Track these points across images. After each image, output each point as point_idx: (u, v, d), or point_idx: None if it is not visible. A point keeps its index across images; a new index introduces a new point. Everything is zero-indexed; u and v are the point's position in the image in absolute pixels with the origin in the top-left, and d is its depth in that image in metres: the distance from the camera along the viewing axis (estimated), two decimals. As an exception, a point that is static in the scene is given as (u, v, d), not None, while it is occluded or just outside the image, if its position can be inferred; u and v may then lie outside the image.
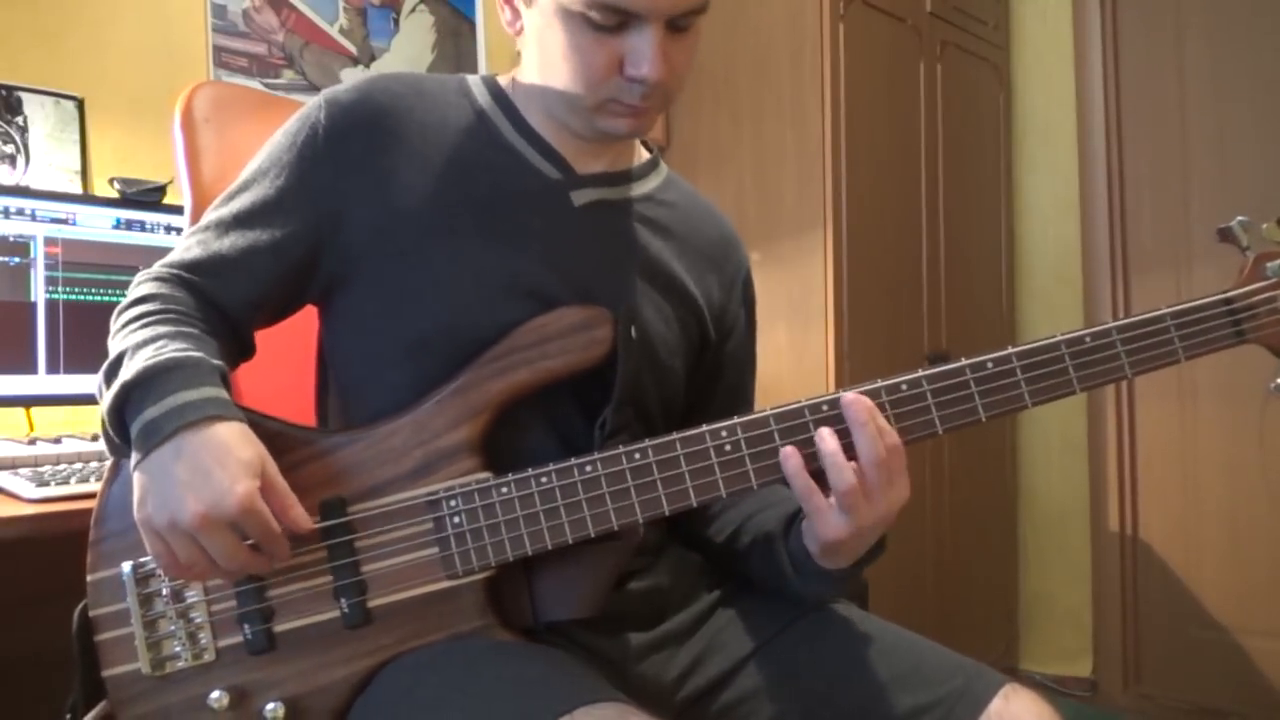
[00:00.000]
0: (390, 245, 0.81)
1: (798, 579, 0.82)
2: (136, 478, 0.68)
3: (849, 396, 0.74)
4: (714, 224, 0.98)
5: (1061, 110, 2.56)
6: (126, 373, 0.70)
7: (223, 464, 0.67)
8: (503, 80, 0.90)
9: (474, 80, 0.89)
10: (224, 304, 0.81)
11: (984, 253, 2.52)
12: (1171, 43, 2.36)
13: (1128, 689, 2.42)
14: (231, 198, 0.83)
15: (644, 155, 0.94)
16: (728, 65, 2.19)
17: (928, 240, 2.29)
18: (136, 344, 0.72)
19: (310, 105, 0.84)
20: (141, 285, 0.80)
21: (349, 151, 0.81)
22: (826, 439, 0.73)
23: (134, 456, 0.69)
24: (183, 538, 0.67)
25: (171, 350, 0.71)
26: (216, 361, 0.73)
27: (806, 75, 2.04)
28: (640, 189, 0.91)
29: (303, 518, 0.71)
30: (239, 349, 0.84)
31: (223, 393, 0.71)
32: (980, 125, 2.51)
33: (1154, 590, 2.39)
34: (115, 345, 0.74)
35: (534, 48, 0.83)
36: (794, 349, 2.06)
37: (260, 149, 0.85)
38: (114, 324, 0.78)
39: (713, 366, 0.95)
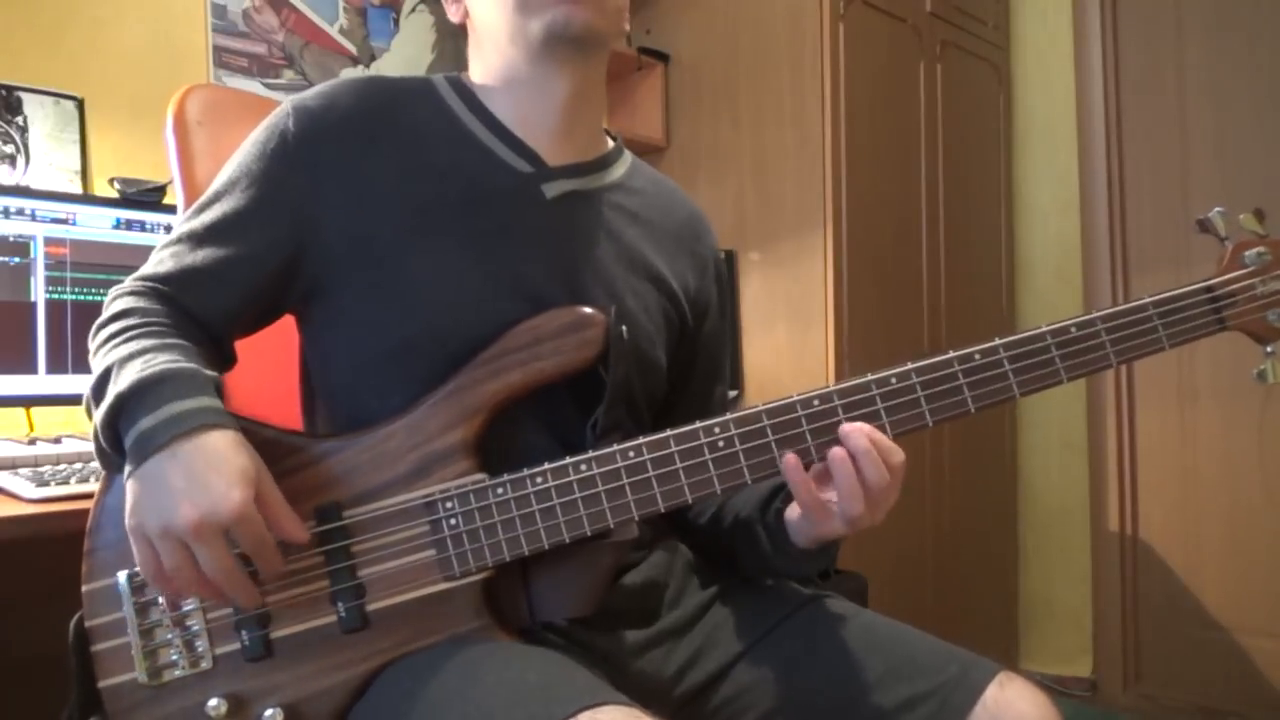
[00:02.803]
0: (368, 251, 0.80)
1: (777, 557, 0.84)
2: (129, 486, 0.68)
3: (847, 427, 0.76)
4: (682, 207, 0.99)
5: (1061, 110, 2.56)
6: (119, 384, 0.69)
7: (218, 471, 0.67)
8: (466, 77, 0.90)
9: (438, 80, 0.89)
10: (201, 316, 0.81)
11: (984, 253, 2.52)
12: (1171, 43, 2.36)
13: (1128, 689, 2.42)
14: (202, 209, 0.83)
15: (609, 144, 0.95)
16: (728, 66, 2.19)
17: (928, 240, 2.29)
18: (123, 358, 0.72)
19: (278, 113, 0.83)
20: (117, 300, 0.79)
21: (320, 158, 0.81)
22: (841, 466, 0.75)
23: (128, 466, 0.69)
24: (173, 545, 0.66)
25: (162, 361, 0.70)
26: (209, 372, 0.72)
27: (806, 75, 2.04)
28: (610, 177, 0.92)
29: (297, 528, 0.72)
30: (220, 360, 0.83)
31: (217, 402, 0.71)
32: (980, 125, 2.51)
33: (1154, 590, 2.39)
34: (99, 362, 0.74)
35: (475, 5, 0.85)
36: (794, 349, 2.06)
37: (228, 160, 0.84)
38: (93, 341, 0.77)
39: (690, 349, 0.96)
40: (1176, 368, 2.34)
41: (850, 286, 2.03)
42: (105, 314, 0.78)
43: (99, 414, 0.70)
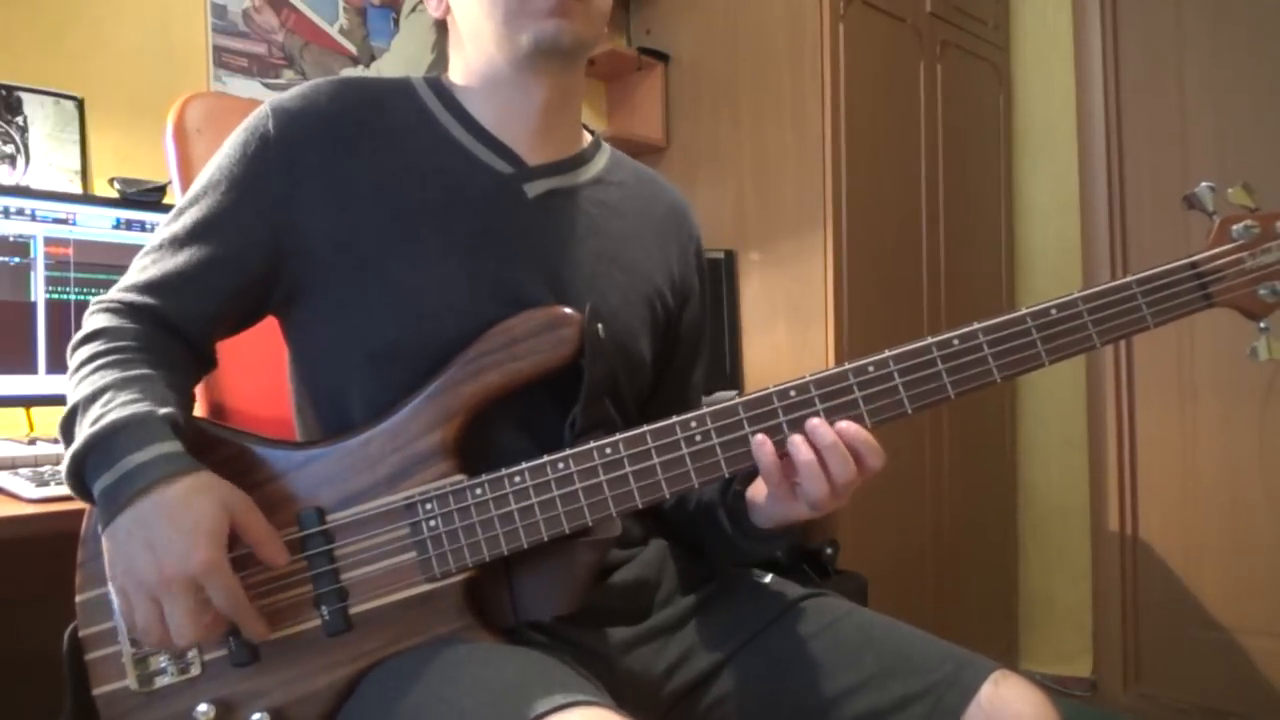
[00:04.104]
0: (349, 256, 0.80)
1: (739, 538, 0.86)
2: (104, 542, 0.69)
3: (813, 422, 0.75)
4: (664, 195, 0.99)
5: (1061, 110, 2.55)
6: (77, 439, 0.69)
7: (181, 529, 0.67)
8: (444, 78, 0.90)
9: (417, 81, 0.89)
10: (182, 321, 0.81)
11: (984, 253, 2.52)
12: (1171, 42, 2.35)
13: (1128, 689, 2.42)
14: (182, 213, 0.82)
15: (587, 139, 0.94)
16: (728, 65, 2.20)
17: (928, 240, 2.29)
18: (87, 397, 0.72)
19: (256, 115, 0.83)
20: (94, 317, 0.79)
21: (300, 160, 0.81)
22: (802, 450, 0.75)
23: (99, 524, 0.70)
24: (146, 602, 0.67)
25: (118, 407, 0.70)
26: (164, 410, 0.71)
27: (806, 75, 2.04)
28: (589, 173, 0.91)
29: (279, 553, 0.72)
30: (199, 366, 0.84)
31: (174, 445, 0.70)
32: (980, 125, 2.51)
33: (1154, 590, 2.39)
34: (70, 392, 0.74)
35: (459, 5, 0.85)
36: (794, 349, 2.06)
37: (208, 163, 0.84)
38: (69, 360, 0.77)
39: (673, 337, 0.96)
40: (1176, 366, 2.34)
41: (850, 286, 2.03)
42: (81, 332, 0.79)
43: (63, 468, 0.71)
